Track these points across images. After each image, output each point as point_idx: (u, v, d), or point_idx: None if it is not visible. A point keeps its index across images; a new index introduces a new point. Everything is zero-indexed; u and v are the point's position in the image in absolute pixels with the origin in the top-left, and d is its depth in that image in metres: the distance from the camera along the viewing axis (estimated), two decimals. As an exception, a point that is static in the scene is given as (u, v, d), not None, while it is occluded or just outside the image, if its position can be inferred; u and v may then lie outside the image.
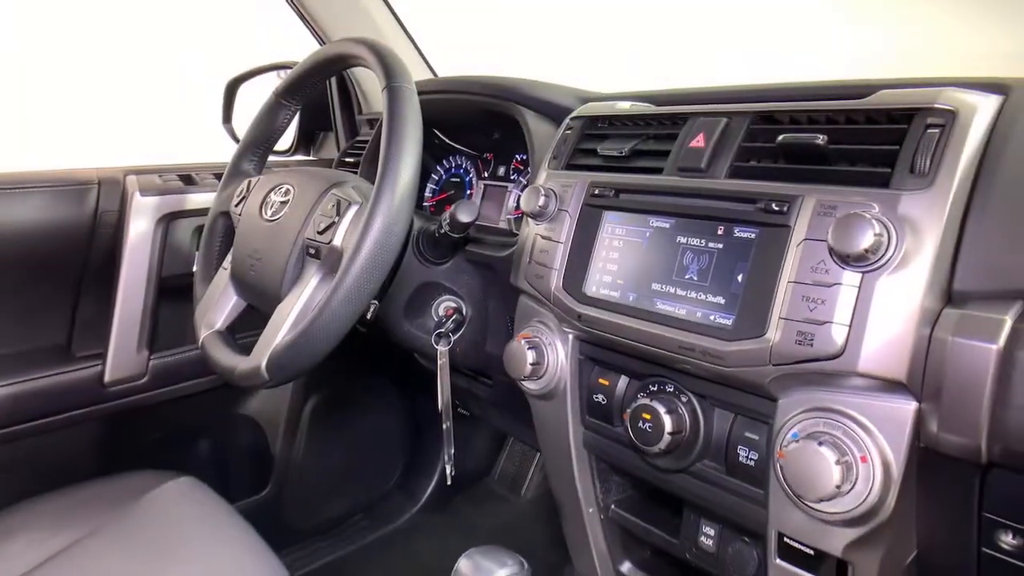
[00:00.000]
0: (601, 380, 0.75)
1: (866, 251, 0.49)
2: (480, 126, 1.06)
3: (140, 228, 1.12)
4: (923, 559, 0.57)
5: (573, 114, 0.82)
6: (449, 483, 0.95)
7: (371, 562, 1.43)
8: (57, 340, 1.13)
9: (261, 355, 0.76)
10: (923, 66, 0.72)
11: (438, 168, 1.22)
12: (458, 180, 1.18)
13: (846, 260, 0.50)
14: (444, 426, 0.92)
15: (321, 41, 1.31)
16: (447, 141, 1.17)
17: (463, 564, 0.59)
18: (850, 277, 0.51)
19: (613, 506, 0.83)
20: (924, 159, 0.51)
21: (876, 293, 0.50)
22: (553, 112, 0.89)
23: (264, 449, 1.38)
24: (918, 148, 0.51)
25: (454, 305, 0.93)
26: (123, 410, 1.15)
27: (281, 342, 0.75)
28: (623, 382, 0.73)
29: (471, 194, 1.15)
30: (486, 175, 1.13)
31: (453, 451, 0.95)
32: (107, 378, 1.12)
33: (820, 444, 0.51)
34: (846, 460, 0.51)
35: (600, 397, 0.75)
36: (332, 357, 1.03)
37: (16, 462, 1.09)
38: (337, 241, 0.76)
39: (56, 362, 1.11)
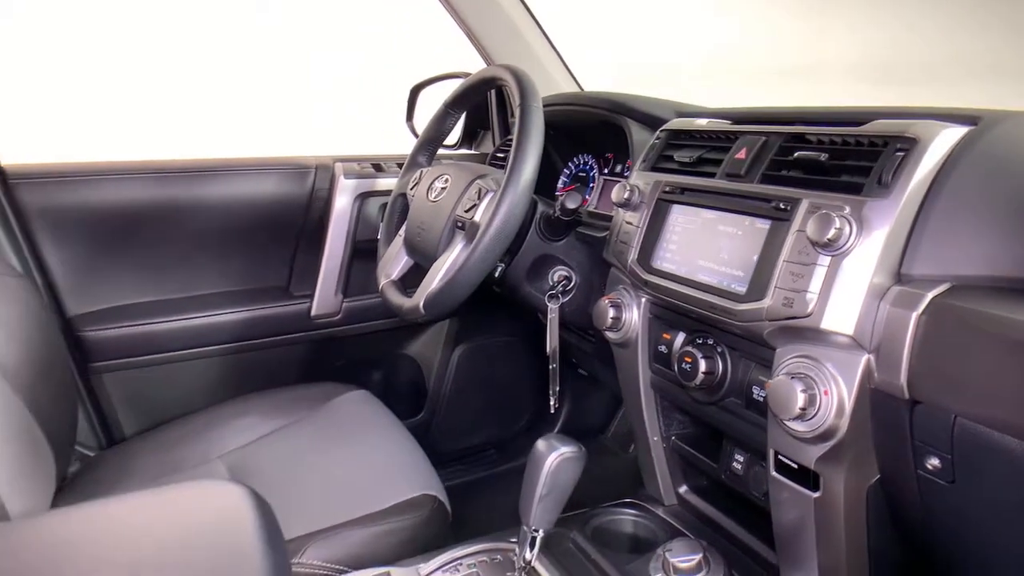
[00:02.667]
0: (664, 334, 0.97)
1: (829, 240, 0.68)
2: (600, 131, 1.29)
3: (342, 203, 1.49)
4: (884, 483, 0.75)
5: (663, 127, 1.04)
6: (552, 411, 1.20)
7: (496, 487, 1.73)
8: (279, 282, 1.53)
9: (420, 297, 1.06)
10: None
11: (569, 164, 1.47)
12: (584, 175, 1.43)
13: (818, 246, 0.69)
14: (551, 367, 1.18)
15: (485, 59, 1.60)
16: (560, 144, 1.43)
17: (540, 443, 0.84)
18: (823, 259, 0.70)
19: (673, 437, 1.05)
20: (888, 174, 0.68)
21: (839, 271, 0.69)
22: (652, 123, 1.11)
23: (421, 383, 1.72)
24: (885, 166, 0.69)
25: (565, 274, 1.18)
26: (322, 338, 1.54)
27: (434, 288, 1.04)
28: (680, 336, 0.95)
29: (593, 187, 1.39)
30: (606, 171, 1.37)
31: (558, 388, 1.20)
32: (313, 313, 1.51)
33: (793, 378, 0.71)
34: (811, 392, 0.70)
35: (663, 347, 0.97)
36: (477, 316, 1.30)
37: (246, 366, 1.50)
38: (477, 218, 1.04)
39: (278, 298, 1.51)
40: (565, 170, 1.48)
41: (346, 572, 0.90)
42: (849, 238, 0.68)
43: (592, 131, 1.35)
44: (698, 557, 0.87)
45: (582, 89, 1.64)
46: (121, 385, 1.37)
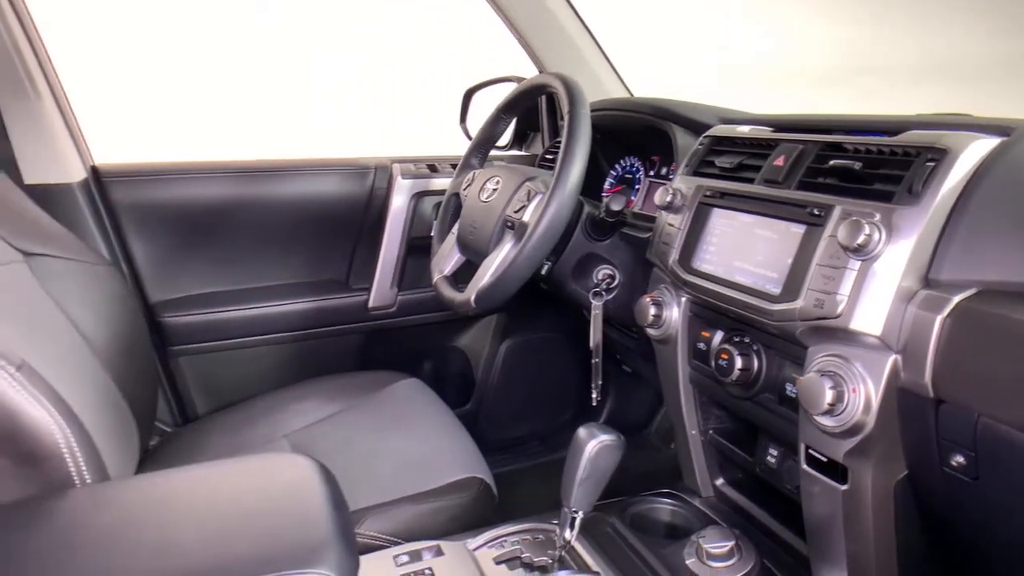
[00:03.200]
0: (703, 332, 1.01)
1: (859, 245, 0.71)
2: (647, 135, 1.34)
3: (399, 202, 1.57)
4: (912, 479, 0.78)
5: (706, 133, 1.08)
6: (594, 404, 1.25)
7: (539, 477, 1.79)
8: (339, 276, 1.62)
9: (472, 291, 1.13)
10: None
11: (616, 166, 1.52)
12: (630, 177, 1.47)
13: (848, 250, 0.73)
14: (594, 361, 1.23)
15: (536, 64, 1.66)
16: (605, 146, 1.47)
17: (581, 431, 0.90)
18: (853, 264, 0.73)
19: (711, 431, 1.09)
20: (919, 184, 0.72)
21: (868, 275, 0.72)
22: (695, 128, 1.15)
23: (469, 374, 1.79)
24: (916, 175, 0.72)
25: (609, 272, 1.23)
26: (378, 328, 1.63)
27: (485, 283, 1.11)
28: (718, 334, 0.99)
29: (638, 189, 1.43)
30: (651, 174, 1.41)
31: (600, 382, 1.25)
32: (370, 305, 1.60)
33: (822, 376, 0.75)
34: (839, 389, 0.74)
35: (701, 344, 1.01)
36: (524, 312, 1.34)
37: (307, 353, 1.60)
38: (526, 218, 1.10)
39: (337, 290, 1.60)
40: (612, 172, 1.53)
41: (399, 543, 0.98)
42: (879, 244, 0.71)
43: (639, 135, 1.40)
44: (730, 544, 0.91)
45: (631, 94, 1.69)
46: (196, 367, 1.49)
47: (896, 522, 0.81)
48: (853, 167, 0.79)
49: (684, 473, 1.17)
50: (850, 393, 0.74)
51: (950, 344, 0.67)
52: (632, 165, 1.48)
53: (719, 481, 1.12)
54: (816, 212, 0.80)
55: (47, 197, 1.26)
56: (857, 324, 0.73)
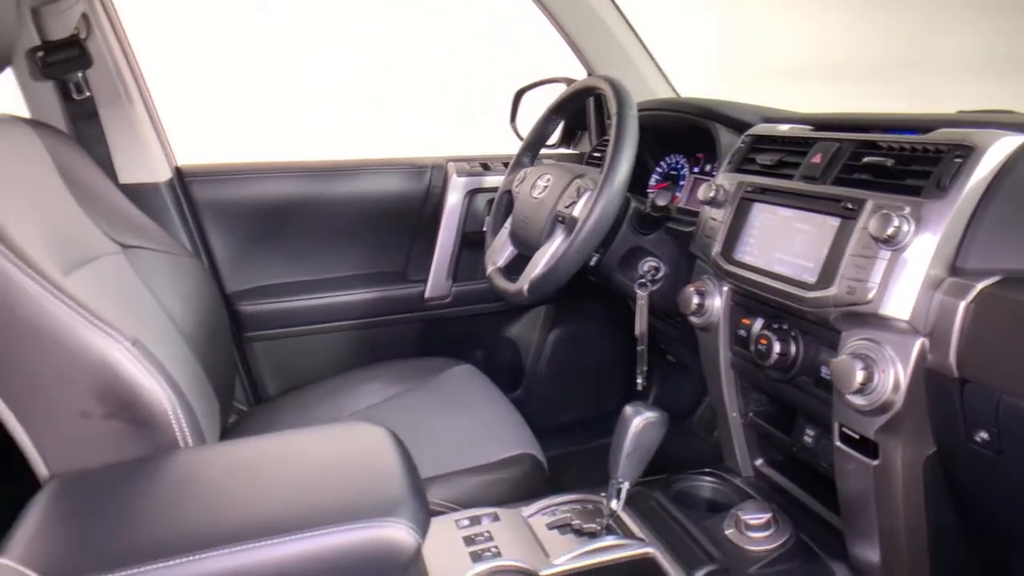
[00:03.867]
0: (744, 320, 1.07)
1: (889, 236, 0.77)
2: (692, 133, 1.40)
3: (454, 199, 1.66)
4: (940, 455, 0.83)
5: (747, 132, 1.14)
6: (639, 389, 1.32)
7: (586, 461, 1.87)
8: (398, 268, 1.73)
9: (524, 281, 1.21)
10: None
11: (662, 163, 1.58)
12: (675, 173, 1.53)
13: (879, 241, 0.79)
14: (639, 348, 1.30)
15: (585, 65, 1.73)
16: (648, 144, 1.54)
17: (628, 409, 0.97)
18: (883, 253, 0.79)
19: (751, 414, 1.15)
20: (946, 179, 0.77)
21: (897, 264, 0.78)
22: (738, 127, 1.21)
23: (518, 362, 1.88)
24: (944, 171, 0.77)
25: (655, 264, 1.29)
26: (434, 318, 1.73)
27: (537, 274, 1.19)
28: (759, 322, 1.05)
29: (683, 185, 1.49)
30: (696, 170, 1.47)
31: (645, 368, 1.32)
32: (426, 295, 1.69)
33: (854, 358, 0.81)
34: (870, 369, 0.80)
35: (742, 331, 1.07)
36: (572, 303, 1.41)
37: (368, 340, 1.71)
38: (576, 213, 1.17)
39: (396, 281, 1.70)
40: (658, 169, 1.59)
41: (459, 510, 1.07)
42: (907, 235, 0.77)
43: (684, 133, 1.46)
44: (767, 516, 0.98)
45: (677, 94, 1.74)
46: (268, 352, 1.61)
47: (926, 498, 0.86)
48: (885, 164, 0.84)
49: (725, 454, 1.23)
50: (880, 374, 0.80)
51: (973, 327, 0.72)
52: (677, 162, 1.54)
53: (758, 461, 1.18)
54: (850, 206, 0.85)
55: (138, 195, 1.38)
56: (887, 309, 0.78)
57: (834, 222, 0.88)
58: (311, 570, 0.69)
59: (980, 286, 0.72)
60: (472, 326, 1.81)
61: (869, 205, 0.83)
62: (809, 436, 1.03)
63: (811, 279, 0.89)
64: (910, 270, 0.77)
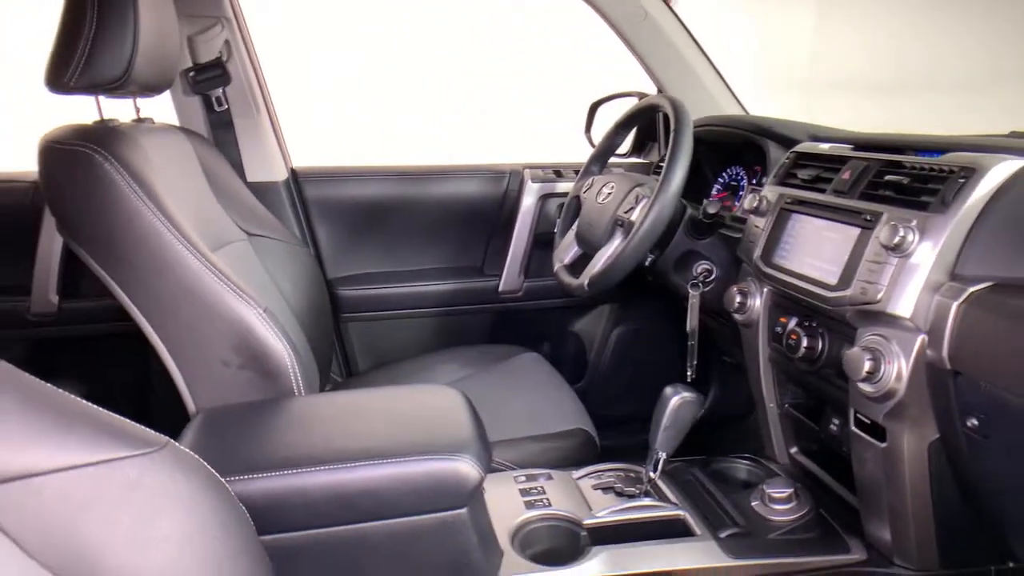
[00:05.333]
0: (781, 318, 1.19)
1: (895, 245, 0.89)
2: (751, 148, 1.52)
3: (528, 202, 1.84)
4: (943, 440, 0.93)
5: (793, 149, 1.26)
6: (688, 382, 1.45)
7: (635, 451, 1.99)
8: (476, 263, 1.92)
9: (585, 277, 1.37)
10: None
11: (723, 175, 1.70)
12: (735, 184, 1.65)
13: (888, 249, 0.90)
14: (689, 343, 1.43)
15: (656, 84, 1.87)
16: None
17: (668, 389, 1.12)
18: (892, 259, 0.91)
19: (787, 405, 1.27)
20: (949, 196, 0.88)
21: (903, 269, 0.89)
22: (787, 143, 1.33)
23: (583, 355, 2.03)
24: (948, 189, 0.88)
25: (707, 267, 1.42)
26: (506, 310, 1.91)
27: (597, 271, 1.35)
28: (792, 320, 1.17)
29: (742, 195, 1.61)
30: (754, 182, 1.59)
31: (695, 362, 1.44)
32: (500, 289, 1.88)
33: (863, 350, 0.93)
34: (876, 360, 0.91)
35: (779, 328, 1.19)
36: (635, 302, 1.56)
37: (447, 326, 1.90)
38: (633, 217, 1.32)
39: (474, 275, 1.90)
40: (720, 180, 1.71)
41: (516, 470, 1.23)
42: (912, 244, 0.88)
43: (744, 148, 1.58)
44: (790, 491, 1.10)
45: (745, 111, 1.86)
46: (360, 332, 1.83)
47: (931, 480, 0.96)
48: (903, 181, 0.96)
49: (764, 442, 1.35)
50: (886, 365, 0.91)
51: (963, 325, 0.83)
52: (737, 174, 1.66)
53: (793, 449, 1.29)
54: (868, 218, 0.97)
55: (261, 191, 1.63)
56: (893, 308, 0.90)
57: (855, 232, 1.00)
58: (395, 489, 0.87)
59: (971, 290, 0.83)
60: (541, 319, 1.98)
61: (884, 217, 0.95)
62: (834, 425, 1.14)
63: (833, 281, 1.01)
64: (914, 274, 0.89)
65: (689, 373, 1.44)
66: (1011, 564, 1.02)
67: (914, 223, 0.89)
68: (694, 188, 1.74)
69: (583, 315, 2.03)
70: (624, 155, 2.07)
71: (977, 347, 0.82)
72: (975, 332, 0.82)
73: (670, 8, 1.75)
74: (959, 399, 0.87)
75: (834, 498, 1.16)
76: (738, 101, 1.88)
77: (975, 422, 0.85)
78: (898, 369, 0.91)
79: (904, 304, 0.89)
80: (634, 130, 1.68)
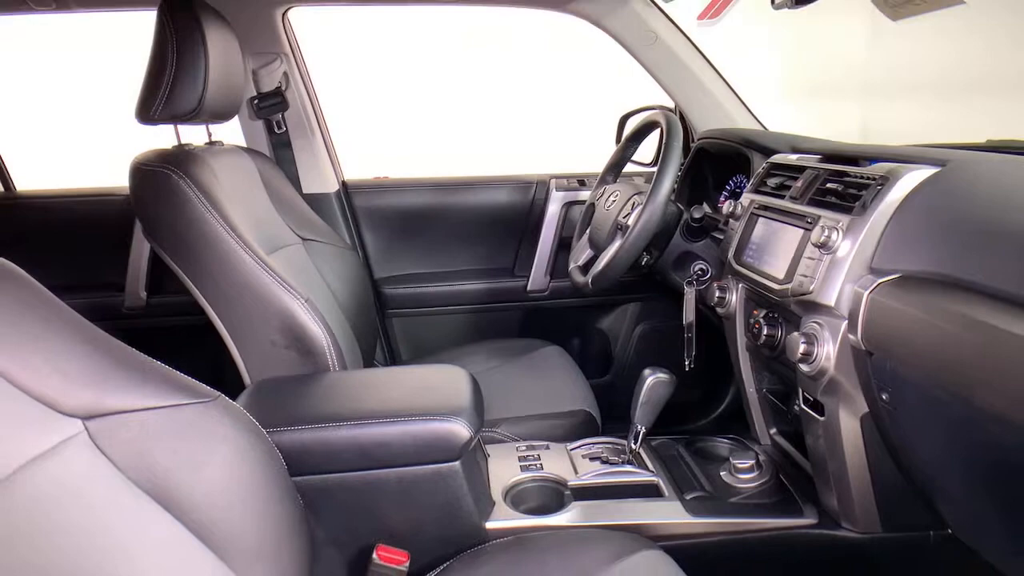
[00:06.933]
0: (754, 311, 1.34)
1: (822, 243, 1.03)
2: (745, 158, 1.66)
3: (553, 209, 2.03)
4: (871, 414, 1.07)
5: (769, 159, 1.40)
6: (687, 370, 1.60)
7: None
8: (506, 264, 2.12)
9: (589, 276, 1.55)
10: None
11: (730, 181, 1.84)
12: (739, 191, 1.79)
13: (817, 246, 1.05)
14: (686, 336, 1.58)
15: (672, 100, 2.03)
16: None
17: (646, 371, 1.28)
18: (822, 256, 1.05)
19: (764, 390, 1.40)
20: (868, 200, 1.01)
21: (830, 264, 1.03)
22: (768, 154, 1.47)
23: (608, 351, 2.20)
24: (868, 195, 1.02)
25: (703, 267, 1.57)
26: (532, 308, 2.10)
27: (597, 269, 1.52)
28: (762, 312, 1.31)
29: (722, 200, 1.75)
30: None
31: (694, 353, 1.59)
32: (528, 288, 2.07)
33: (800, 334, 1.07)
34: (809, 343, 1.06)
35: (752, 320, 1.34)
36: (657, 302, 1.74)
37: (479, 322, 2.12)
38: (627, 222, 1.49)
39: (504, 276, 2.10)
40: (727, 186, 1.85)
41: (520, 442, 1.42)
42: (836, 242, 1.03)
43: (740, 157, 1.72)
44: (751, 461, 1.24)
45: (759, 121, 1.98)
46: (403, 327, 2.07)
47: (866, 449, 1.09)
48: (838, 189, 1.10)
49: (749, 426, 1.49)
50: (819, 348, 1.05)
51: (872, 312, 0.96)
52: (741, 181, 1.80)
53: (772, 431, 1.42)
54: (809, 220, 1.11)
55: (315, 201, 1.89)
56: (822, 298, 1.04)
57: (800, 232, 1.14)
58: (402, 443, 1.08)
59: (879, 281, 0.96)
60: (567, 317, 2.16)
61: (821, 220, 1.09)
62: (798, 406, 1.27)
63: (781, 276, 1.15)
64: (838, 269, 1.03)
65: (687, 363, 1.58)
66: (949, 531, 1.13)
67: (842, 224, 1.04)
68: (699, 194, 1.89)
69: (608, 313, 2.20)
70: (648, 164, 2.23)
71: (881, 330, 0.95)
72: (881, 317, 0.95)
73: (680, 29, 1.90)
74: (875, 376, 1.00)
75: (798, 469, 1.29)
76: (751, 112, 2.00)
77: (886, 397, 0.99)
78: (827, 351, 1.05)
79: (831, 294, 1.03)
80: (656, 142, 1.84)
